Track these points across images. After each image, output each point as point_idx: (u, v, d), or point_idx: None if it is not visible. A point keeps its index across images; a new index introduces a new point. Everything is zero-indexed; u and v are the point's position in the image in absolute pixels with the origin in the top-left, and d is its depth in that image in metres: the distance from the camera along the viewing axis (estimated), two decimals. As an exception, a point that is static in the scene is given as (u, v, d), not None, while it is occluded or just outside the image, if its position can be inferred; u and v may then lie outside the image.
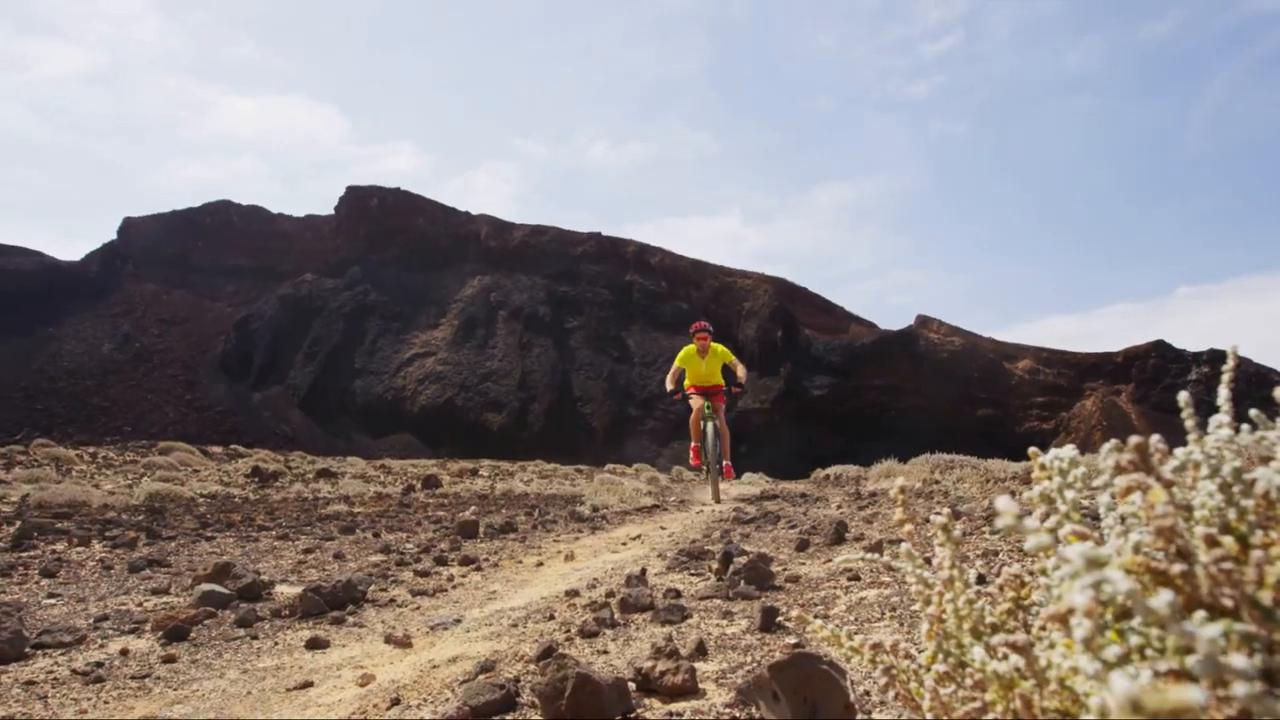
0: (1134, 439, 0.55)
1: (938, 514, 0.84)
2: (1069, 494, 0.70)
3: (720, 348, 9.92)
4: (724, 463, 9.64)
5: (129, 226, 62.27)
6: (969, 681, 0.71)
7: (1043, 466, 0.79)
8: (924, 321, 58.25)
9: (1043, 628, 0.73)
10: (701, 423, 9.48)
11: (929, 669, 0.83)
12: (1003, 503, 0.55)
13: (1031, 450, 0.82)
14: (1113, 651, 0.50)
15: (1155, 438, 0.59)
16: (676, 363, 9.83)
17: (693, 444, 9.77)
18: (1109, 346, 57.81)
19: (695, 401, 9.62)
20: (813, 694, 1.50)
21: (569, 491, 13.18)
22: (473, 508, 8.80)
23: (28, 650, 2.39)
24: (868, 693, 1.78)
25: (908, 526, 0.91)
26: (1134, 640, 0.55)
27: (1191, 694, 0.46)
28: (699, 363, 9.78)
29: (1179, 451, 0.58)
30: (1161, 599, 0.48)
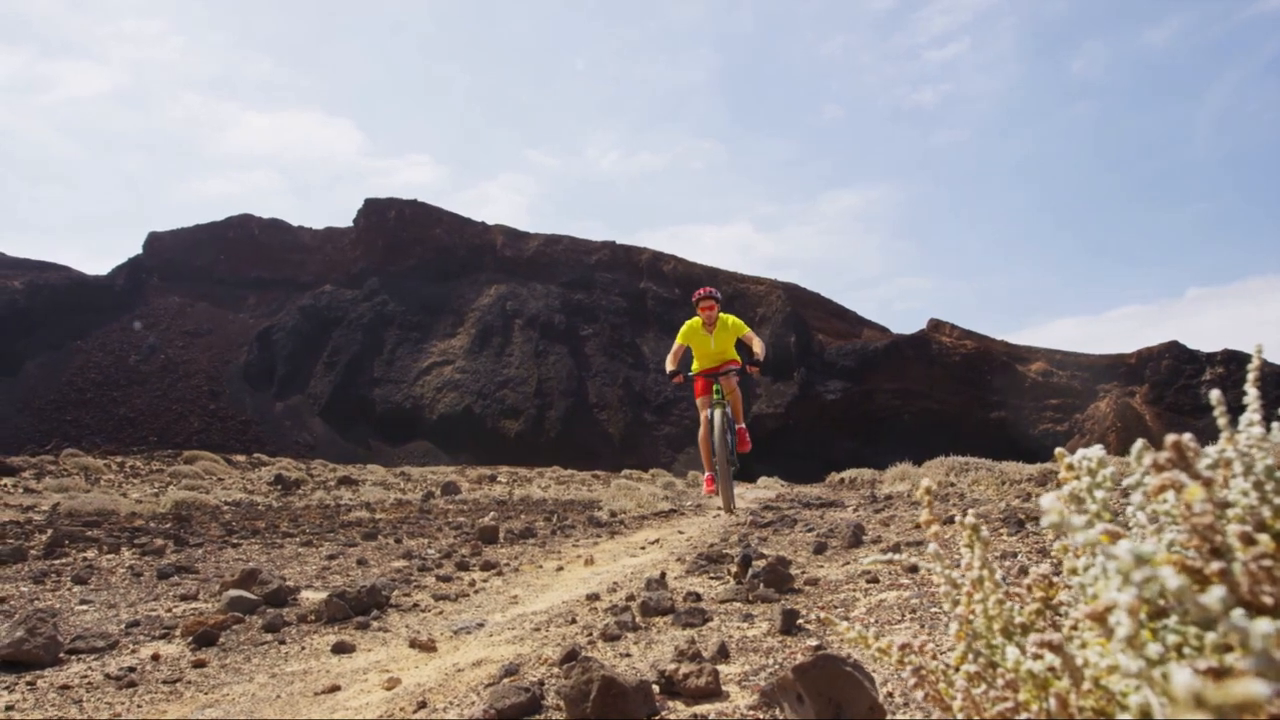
0: (1170, 437, 0.55)
1: (967, 516, 0.85)
2: (1099, 493, 0.70)
3: (732, 319, 8.19)
4: (738, 426, 8.11)
5: (154, 241, 63.11)
6: (1000, 682, 0.72)
7: (1070, 467, 0.79)
8: (936, 325, 57.93)
9: (1073, 627, 0.73)
10: (709, 409, 7.80)
11: (958, 669, 0.83)
12: (1048, 501, 0.56)
13: (1058, 451, 0.83)
14: (1155, 649, 0.50)
15: (1187, 436, 0.59)
16: (679, 339, 8.15)
17: (705, 473, 8.05)
18: (1120, 349, 57.25)
19: (704, 411, 7.93)
20: (837, 695, 1.50)
21: (586, 497, 13.20)
22: (492, 513, 8.84)
23: (62, 655, 2.42)
24: (891, 694, 1.77)
25: (934, 528, 0.92)
26: (1170, 639, 0.55)
27: (1256, 688, 0.46)
28: (706, 339, 8.12)
29: (1211, 450, 0.58)
30: (1213, 595, 0.48)
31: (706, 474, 8.00)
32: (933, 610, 2.55)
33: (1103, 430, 50.00)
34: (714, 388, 7.82)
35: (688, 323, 8.20)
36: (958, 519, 0.98)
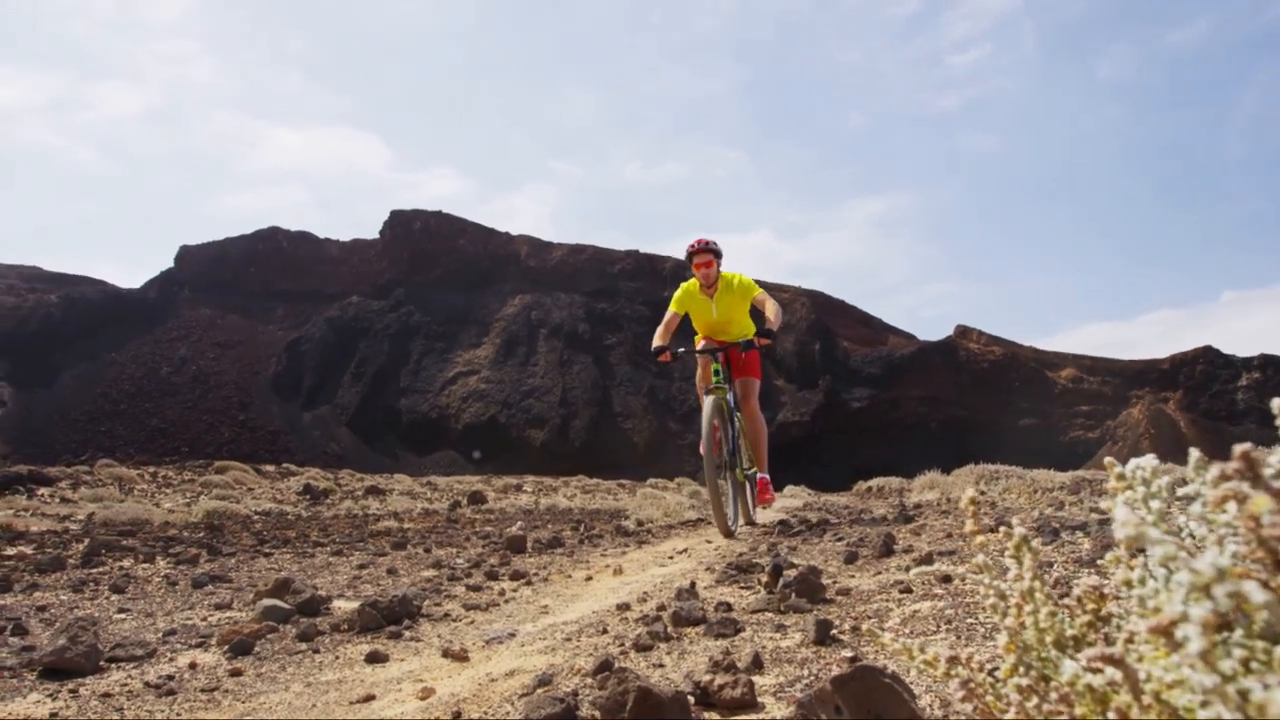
0: (1239, 447, 0.54)
1: (1017, 526, 0.84)
2: (1154, 504, 0.69)
3: (739, 277, 6.49)
4: (757, 474, 6.51)
5: (185, 254, 64.22)
6: (1054, 695, 0.71)
7: (1121, 476, 0.78)
8: (963, 332, 57.39)
9: (1129, 640, 0.72)
10: (709, 406, 5.74)
11: (1007, 682, 0.82)
12: (1123, 513, 0.55)
13: (1108, 460, 0.81)
14: (1228, 665, 0.49)
15: (1246, 446, 0.58)
16: (671, 307, 6.54)
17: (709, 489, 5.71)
18: (1152, 354, 56.40)
19: (706, 394, 5.96)
20: (876, 708, 1.48)
21: (612, 506, 13.20)
22: (519, 523, 8.86)
23: (102, 663, 2.46)
24: (930, 706, 1.75)
25: (980, 538, 0.91)
26: (1237, 654, 0.54)
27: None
28: (706, 304, 6.48)
29: (1273, 460, 0.57)
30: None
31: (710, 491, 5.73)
32: (969, 621, 2.52)
33: (1135, 437, 49.18)
34: (713, 367, 6.06)
35: (683, 285, 6.60)
36: (1003, 529, 0.97)
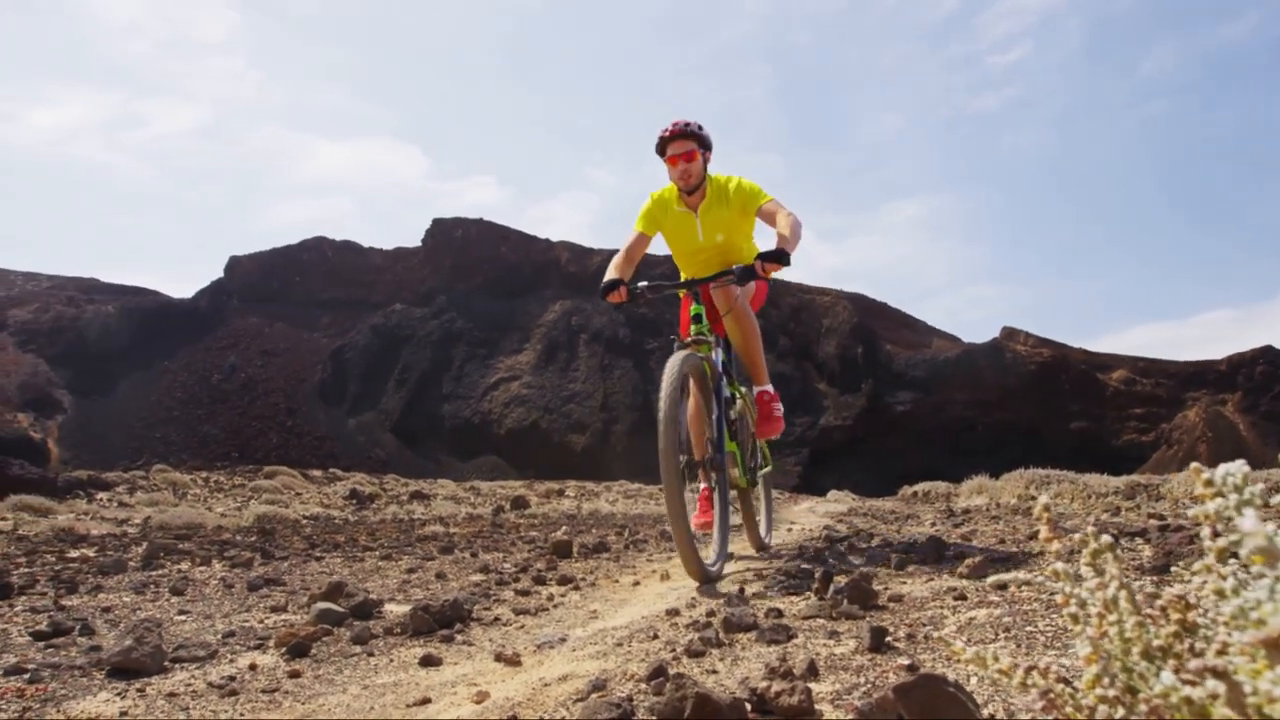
0: (1365, 451, 0.52)
1: (1102, 533, 0.81)
2: (1249, 511, 0.67)
3: (736, 182, 4.49)
4: (755, 389, 4.62)
5: (234, 265, 65.85)
6: (1143, 707, 0.69)
7: (1209, 483, 0.75)
8: (1010, 334, 56.31)
9: (1220, 651, 0.70)
10: (675, 370, 3.62)
11: (1089, 693, 0.80)
12: (1249, 523, 0.53)
13: (1194, 466, 0.79)
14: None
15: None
16: (637, 225, 4.60)
17: (699, 493, 4.25)
18: (1207, 355, 54.71)
19: (676, 351, 3.85)
20: (939, 717, 1.46)
21: (655, 511, 13.19)
22: (564, 528, 8.90)
23: (166, 664, 2.52)
24: (994, 716, 1.72)
25: (1055, 545, 0.89)
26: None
27: None
28: (687, 223, 4.54)
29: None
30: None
31: (702, 488, 4.24)
32: (1028, 629, 2.46)
33: (1192, 441, 47.76)
34: (692, 309, 4.22)
35: (653, 195, 4.60)
36: (1079, 535, 0.95)
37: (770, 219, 4.43)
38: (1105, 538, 0.81)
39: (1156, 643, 0.76)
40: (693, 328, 4.21)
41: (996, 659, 0.89)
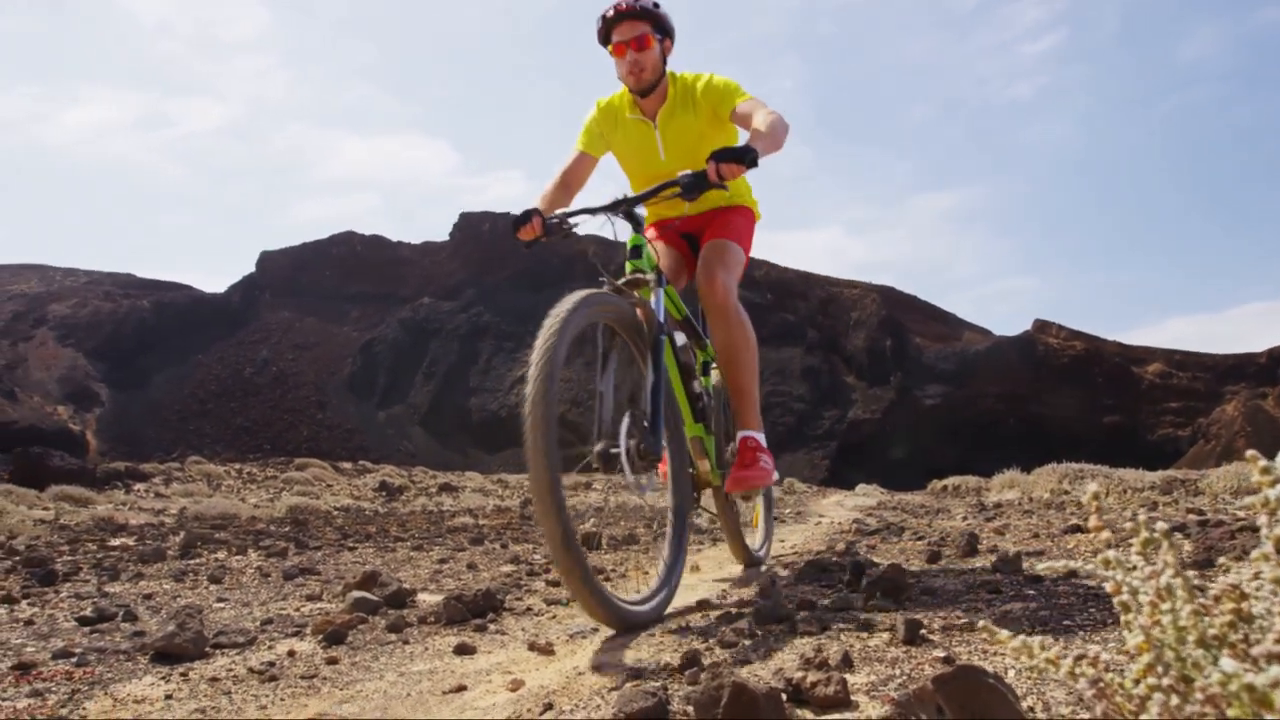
0: None
1: (1156, 522, 0.80)
2: (1311, 497, 0.65)
3: (704, 79, 3.48)
4: (740, 434, 3.49)
5: (265, 259, 66.75)
6: (1199, 696, 0.68)
7: (1266, 470, 0.74)
8: (1042, 326, 55.48)
9: (1278, 640, 0.69)
10: (555, 329, 2.46)
11: (1140, 682, 0.79)
12: None
13: (1250, 453, 0.78)
14: None
15: None
16: (579, 143, 3.70)
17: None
18: (1244, 348, 53.57)
19: (574, 307, 2.54)
20: (980, 709, 1.44)
21: (683, 504, 13.19)
22: (592, 520, 8.93)
23: (208, 649, 2.58)
24: (1031, 708, 1.70)
25: (1105, 534, 0.88)
26: None
27: None
28: (643, 135, 3.58)
29: None
30: None
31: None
32: (1064, 623, 2.44)
33: (1230, 435, 46.82)
34: (630, 240, 3.20)
35: (599, 101, 3.67)
36: (1128, 524, 0.94)
37: (745, 121, 3.31)
38: (1161, 524, 0.80)
39: (1212, 632, 0.74)
40: (628, 265, 3.05)
41: (1043, 647, 0.88)
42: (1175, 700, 0.72)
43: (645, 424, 2.81)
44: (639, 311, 2.98)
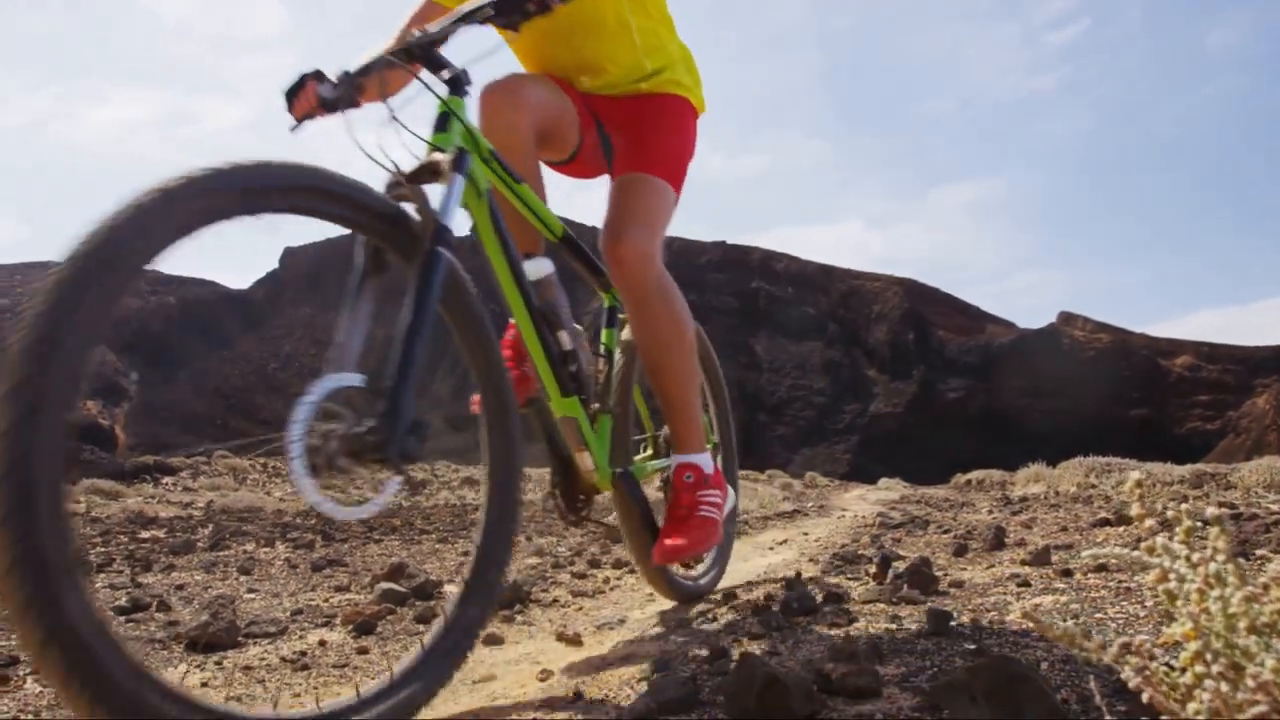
0: None
1: (1209, 508, 0.79)
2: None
3: None
4: (677, 460, 2.56)
5: (288, 256, 67.44)
6: (1250, 683, 0.67)
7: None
8: (1067, 319, 54.87)
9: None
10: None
11: (1188, 670, 0.78)
12: None
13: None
14: None
15: None
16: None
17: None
18: (1276, 340, 52.56)
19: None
20: (1015, 699, 1.43)
21: (705, 498, 13.20)
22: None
23: (240, 639, 2.61)
24: (1066, 699, 1.69)
25: (1149, 521, 0.87)
26: None
27: None
28: None
29: None
30: None
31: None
32: (1097, 616, 2.41)
33: (1261, 429, 46.09)
34: (439, 109, 1.96)
35: None
36: (1170, 513, 0.93)
37: None
38: (1212, 510, 0.79)
39: (1263, 619, 0.73)
40: (429, 147, 1.92)
41: (1087, 635, 0.87)
42: (1225, 688, 0.71)
43: (385, 392, 1.66)
44: (411, 215, 1.82)
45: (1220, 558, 0.75)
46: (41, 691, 2.08)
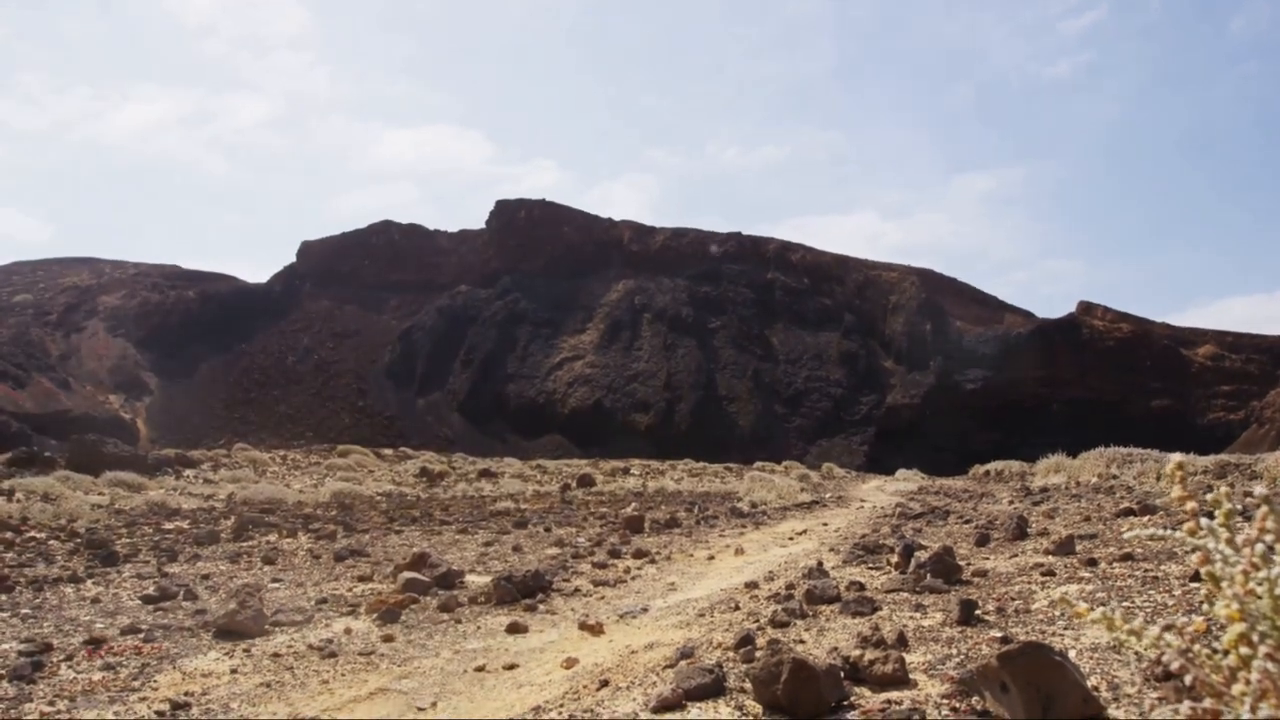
0: None
1: (1257, 488, 0.78)
2: None
3: None
4: None
5: (306, 249, 67.65)
6: (1301, 663, 0.66)
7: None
8: (1087, 308, 54.13)
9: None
10: None
11: (1231, 652, 0.77)
12: None
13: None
14: None
15: None
16: None
17: None
18: (1307, 328, 51.69)
19: None
20: (1047, 686, 1.42)
21: (721, 489, 13.19)
22: (633, 504, 8.96)
23: (267, 627, 2.64)
24: (1096, 687, 1.67)
25: (1190, 504, 0.86)
26: None
27: None
28: None
29: None
30: None
31: None
32: (1124, 604, 2.39)
33: (1285, 419, 45.37)
34: None
35: None
36: (1210, 495, 0.91)
37: None
38: (1260, 489, 0.78)
39: (1310, 601, 0.72)
40: None
41: (1126, 620, 0.86)
42: (1274, 668, 0.70)
43: None
44: None
45: (1269, 538, 0.74)
46: (76, 678, 2.11)
